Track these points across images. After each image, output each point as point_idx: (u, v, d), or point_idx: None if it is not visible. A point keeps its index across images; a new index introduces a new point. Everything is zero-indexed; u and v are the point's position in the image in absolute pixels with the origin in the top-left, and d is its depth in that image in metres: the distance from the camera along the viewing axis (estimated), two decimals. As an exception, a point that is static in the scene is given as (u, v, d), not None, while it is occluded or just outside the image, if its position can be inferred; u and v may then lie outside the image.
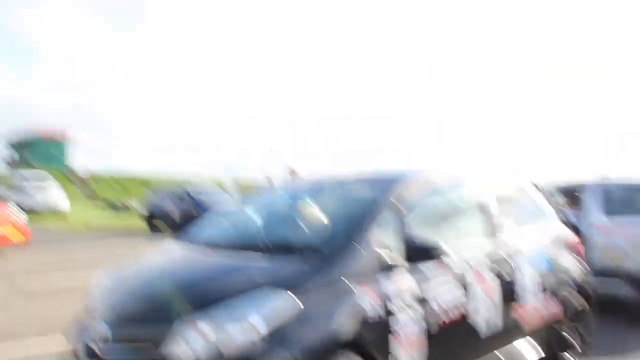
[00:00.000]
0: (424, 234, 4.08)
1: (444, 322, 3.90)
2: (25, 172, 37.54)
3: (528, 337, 4.73)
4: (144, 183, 48.21)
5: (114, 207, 33.43)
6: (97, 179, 48.61)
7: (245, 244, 4.14)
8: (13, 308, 7.90)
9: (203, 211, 16.34)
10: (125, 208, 32.29)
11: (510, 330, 4.54)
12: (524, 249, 4.80)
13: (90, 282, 4.28)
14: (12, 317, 7.34)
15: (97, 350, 3.43)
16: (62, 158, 52.53)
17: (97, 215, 29.68)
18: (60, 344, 5.39)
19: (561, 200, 8.26)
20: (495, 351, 4.43)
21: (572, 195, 8.30)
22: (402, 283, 3.70)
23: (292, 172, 15.38)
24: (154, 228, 21.94)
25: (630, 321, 7.03)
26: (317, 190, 5.07)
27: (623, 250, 7.10)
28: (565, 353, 5.10)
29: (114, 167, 53.27)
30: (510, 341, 4.57)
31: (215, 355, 3.09)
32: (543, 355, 4.88)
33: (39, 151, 50.91)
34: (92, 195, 43.86)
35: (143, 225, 22.58)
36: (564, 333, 5.11)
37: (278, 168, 16.22)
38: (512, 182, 5.45)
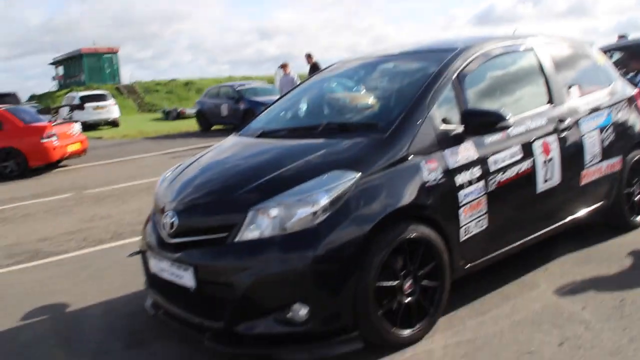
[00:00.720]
0: (485, 104, 4.04)
1: (508, 191, 3.90)
2: (77, 87, 38.23)
3: (590, 194, 4.68)
4: (192, 87, 48.47)
5: (166, 113, 33.81)
6: (146, 88, 49.05)
7: (306, 130, 4.13)
8: (84, 213, 8.23)
9: (255, 107, 16.31)
10: (177, 113, 32.61)
11: (573, 195, 4.50)
12: (587, 112, 4.66)
13: (152, 180, 4.37)
14: (85, 222, 7.66)
15: (167, 241, 3.54)
16: (112, 71, 52.93)
17: (150, 123, 30.16)
18: (132, 242, 5.66)
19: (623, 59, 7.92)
20: (558, 213, 4.43)
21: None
22: (467, 155, 3.69)
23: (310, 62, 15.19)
24: (206, 128, 22.11)
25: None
26: (372, 68, 4.95)
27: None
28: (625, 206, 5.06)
29: (162, 77, 53.69)
30: (572, 204, 4.54)
31: (278, 229, 3.15)
32: (605, 207, 4.86)
33: (88, 66, 51.33)
34: (143, 105, 44.45)
35: (196, 127, 22.84)
36: (626, 188, 5.04)
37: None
38: (573, 45, 5.19)
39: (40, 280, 5.36)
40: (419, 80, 3.99)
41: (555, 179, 4.23)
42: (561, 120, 4.34)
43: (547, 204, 4.25)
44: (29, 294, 4.97)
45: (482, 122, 3.75)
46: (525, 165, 4.00)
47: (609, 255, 4.57)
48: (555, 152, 4.22)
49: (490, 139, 3.83)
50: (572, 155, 4.40)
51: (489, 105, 4.08)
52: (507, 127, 3.82)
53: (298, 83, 15.27)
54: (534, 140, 4.10)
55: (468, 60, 4.06)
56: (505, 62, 4.51)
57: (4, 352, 3.86)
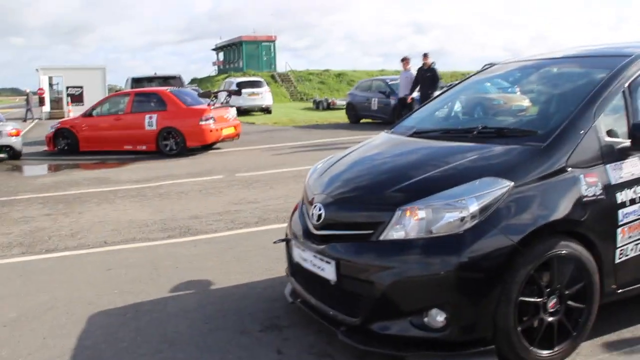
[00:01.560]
0: None
1: None
2: (235, 73, 39.92)
3: None
4: (344, 78, 49.12)
5: (316, 103, 34.52)
6: (299, 77, 50.34)
7: (460, 132, 4.03)
8: (233, 195, 8.60)
9: (404, 103, 16.19)
10: (328, 104, 33.17)
11: None
12: None
13: (299, 169, 4.46)
14: (234, 204, 8.00)
15: (313, 232, 3.60)
16: (269, 59, 54.81)
17: (301, 112, 30.93)
18: (276, 228, 5.84)
19: None
20: None
21: None
22: (632, 172, 3.44)
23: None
24: (355, 121, 22.31)
25: None
26: (529, 73, 4.74)
27: None
28: None
29: (315, 67, 54.82)
30: None
31: (424, 231, 3.11)
32: None
33: (246, 53, 53.51)
34: (296, 93, 45.68)
35: (345, 118, 23.11)
36: None
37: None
38: None
39: (190, 255, 5.68)
40: (585, 87, 3.75)
41: None
42: None
43: None
44: (178, 267, 5.29)
45: None
46: None
47: None
48: None
49: None
50: None
51: None
52: None
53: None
54: None
55: None
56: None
57: (153, 319, 4.15)
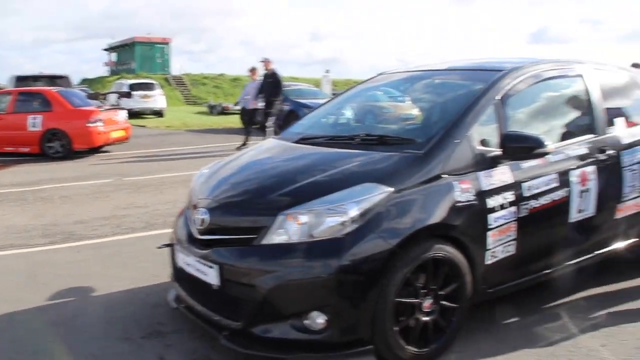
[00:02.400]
0: (527, 129, 3.99)
1: (541, 218, 3.85)
2: (127, 74, 38.89)
3: (625, 229, 4.55)
4: (239, 83, 48.92)
5: (210, 107, 34.16)
6: (194, 80, 49.67)
7: (345, 139, 4.13)
8: (121, 200, 8.39)
9: (299, 109, 16.37)
10: (222, 108, 32.90)
11: (606, 228, 4.39)
12: (630, 145, 4.52)
13: (190, 173, 4.46)
14: (121, 209, 7.81)
15: (196, 237, 3.60)
16: (163, 61, 53.67)
17: (194, 116, 30.52)
18: (164, 234, 5.75)
19: None
20: (589, 246, 4.33)
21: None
22: (502, 179, 3.65)
23: None
24: (249, 126, 22.21)
25: None
26: (415, 83, 4.96)
27: None
28: None
29: (211, 71, 54.18)
30: (605, 237, 4.43)
31: (306, 236, 3.18)
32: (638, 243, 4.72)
33: (140, 55, 52.16)
34: (190, 97, 45.02)
35: (239, 123, 22.99)
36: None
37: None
38: (624, 74, 5.10)
39: (72, 262, 5.49)
40: (462, 99, 3.98)
41: (590, 210, 4.16)
42: (602, 151, 4.26)
43: (579, 235, 4.17)
44: (59, 274, 5.11)
45: (519, 147, 3.69)
46: (561, 193, 3.94)
47: (638, 293, 4.49)
48: (592, 183, 4.15)
49: (527, 164, 3.79)
50: (610, 188, 4.32)
51: (530, 129, 4.01)
52: (544, 154, 3.77)
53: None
54: (572, 169, 4.04)
55: (514, 83, 4.02)
56: (552, 87, 4.45)
57: (30, 329, 3.98)
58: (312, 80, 37.33)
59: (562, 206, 3.97)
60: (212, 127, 22.68)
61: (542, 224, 3.90)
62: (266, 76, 14.33)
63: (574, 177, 4.03)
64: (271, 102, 14.00)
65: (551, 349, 3.59)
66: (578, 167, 4.08)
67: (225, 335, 3.36)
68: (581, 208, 4.08)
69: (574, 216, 4.06)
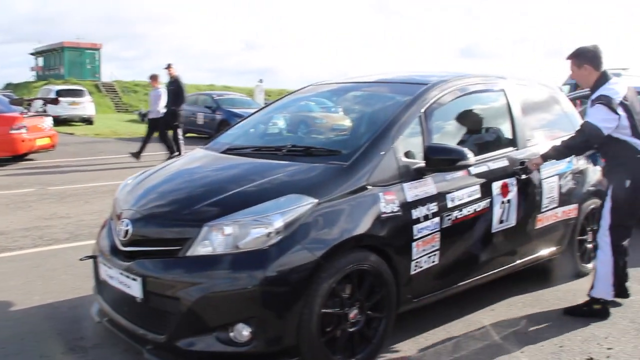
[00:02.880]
0: (451, 141, 4.09)
1: (463, 229, 3.96)
2: (55, 80, 37.76)
3: (544, 238, 4.74)
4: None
5: (142, 115, 33.56)
6: (125, 88, 48.68)
7: (271, 150, 4.12)
8: (44, 210, 8.12)
9: (231, 118, 16.26)
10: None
11: (527, 238, 4.57)
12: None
13: (118, 183, 4.36)
14: (44, 219, 7.55)
15: (120, 248, 3.52)
16: (93, 67, 52.37)
17: (125, 124, 29.90)
18: (88, 245, 5.59)
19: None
20: (511, 255, 4.48)
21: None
22: (425, 190, 3.72)
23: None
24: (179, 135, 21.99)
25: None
26: (343, 95, 5.01)
27: None
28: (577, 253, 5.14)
29: (143, 78, 53.17)
30: (526, 247, 4.59)
31: (231, 247, 3.15)
32: (557, 252, 4.93)
33: (68, 60, 50.76)
34: (121, 105, 44.10)
35: (171, 132, 22.66)
36: (579, 235, 5.13)
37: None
38: (544, 89, 5.31)
39: (-11, 275, 5.26)
40: (388, 111, 4.02)
41: (511, 220, 4.30)
42: (522, 163, 4.40)
43: (500, 244, 4.31)
44: (-25, 288, 4.88)
45: (442, 159, 3.75)
46: (483, 204, 4.05)
47: (556, 300, 4.66)
48: (513, 194, 4.28)
49: (451, 176, 3.88)
50: (530, 199, 4.48)
51: (453, 142, 4.13)
52: (467, 167, 3.87)
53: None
54: (493, 181, 4.16)
55: (439, 96, 4.11)
56: (476, 100, 4.60)
57: (-59, 346, 3.78)
58: (246, 90, 37.23)
59: (484, 217, 4.08)
60: (142, 136, 22.10)
61: (465, 234, 4.00)
62: (169, 84, 13.67)
63: (496, 188, 4.16)
64: (173, 112, 13.28)
65: (475, 356, 3.67)
66: (499, 179, 4.21)
67: (149, 349, 3.29)
68: (502, 218, 4.22)
69: (496, 227, 4.18)
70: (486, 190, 4.09)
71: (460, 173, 3.94)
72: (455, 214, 3.86)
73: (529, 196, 4.46)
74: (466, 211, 3.94)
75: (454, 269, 3.98)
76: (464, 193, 3.93)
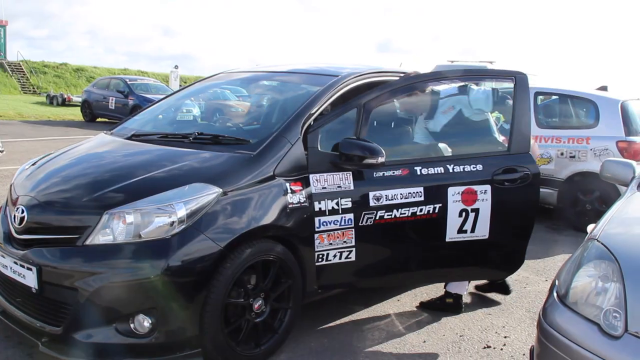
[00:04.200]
0: (363, 135, 3.89)
1: (383, 230, 3.76)
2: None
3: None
4: (83, 74, 46.55)
5: (50, 98, 32.25)
6: (33, 68, 46.62)
7: (178, 137, 4.02)
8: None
9: (144, 103, 15.86)
10: (63, 99, 31.19)
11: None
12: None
13: (16, 168, 4.15)
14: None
15: (14, 236, 3.37)
16: (-4, 45, 49.85)
17: (32, 106, 28.64)
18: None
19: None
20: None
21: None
22: (335, 183, 3.64)
23: None
24: (91, 119, 21.36)
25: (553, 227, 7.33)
26: (254, 83, 4.95)
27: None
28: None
29: (53, 59, 51.10)
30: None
31: (133, 236, 3.07)
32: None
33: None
34: (28, 86, 42.18)
35: (80, 116, 21.98)
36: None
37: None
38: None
39: None
40: (298, 101, 3.96)
41: (480, 232, 4.01)
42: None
43: (456, 256, 4.07)
44: None
45: (352, 155, 3.59)
46: (427, 209, 3.83)
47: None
48: (484, 204, 3.96)
49: (379, 174, 3.72)
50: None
51: (365, 135, 3.99)
52: (380, 165, 3.63)
53: None
54: (450, 186, 3.90)
55: (348, 88, 4.06)
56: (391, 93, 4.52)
57: None
58: (162, 75, 36.46)
59: (429, 222, 3.86)
60: (50, 119, 21.41)
61: (383, 235, 3.79)
62: None
63: (453, 194, 3.91)
64: None
65: (379, 346, 3.73)
66: (459, 185, 3.94)
67: (45, 342, 3.16)
68: (465, 228, 3.96)
69: (453, 236, 3.94)
70: (435, 195, 3.86)
71: (392, 172, 3.76)
72: (381, 213, 3.72)
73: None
74: (398, 213, 3.76)
75: (371, 267, 3.83)
76: (396, 193, 3.76)
